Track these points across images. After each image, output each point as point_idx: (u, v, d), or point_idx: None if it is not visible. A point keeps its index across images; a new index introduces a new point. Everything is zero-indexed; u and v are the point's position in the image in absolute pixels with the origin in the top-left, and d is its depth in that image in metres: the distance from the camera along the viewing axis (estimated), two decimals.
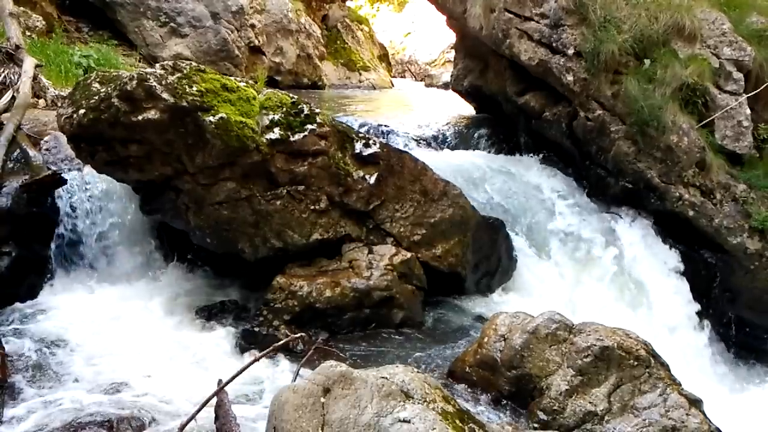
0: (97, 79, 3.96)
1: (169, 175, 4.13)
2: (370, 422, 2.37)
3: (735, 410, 4.17)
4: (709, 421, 3.13)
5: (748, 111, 5.53)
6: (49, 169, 4.58)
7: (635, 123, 5.44)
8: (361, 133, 4.82)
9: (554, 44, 5.66)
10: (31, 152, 4.68)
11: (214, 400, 2.77)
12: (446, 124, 6.87)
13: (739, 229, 5.46)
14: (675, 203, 5.52)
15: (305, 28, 11.20)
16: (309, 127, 4.29)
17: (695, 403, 3.19)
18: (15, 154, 4.65)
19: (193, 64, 4.15)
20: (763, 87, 5.57)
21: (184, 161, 4.05)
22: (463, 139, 6.62)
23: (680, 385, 3.26)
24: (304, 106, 4.38)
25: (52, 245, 4.47)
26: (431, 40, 18.51)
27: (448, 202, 4.71)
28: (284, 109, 4.29)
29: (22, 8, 6.92)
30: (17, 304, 4.22)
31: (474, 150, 6.48)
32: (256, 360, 3.12)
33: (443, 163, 5.53)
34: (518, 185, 5.82)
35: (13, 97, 5.18)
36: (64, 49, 6.63)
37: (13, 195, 4.32)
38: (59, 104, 5.15)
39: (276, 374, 3.63)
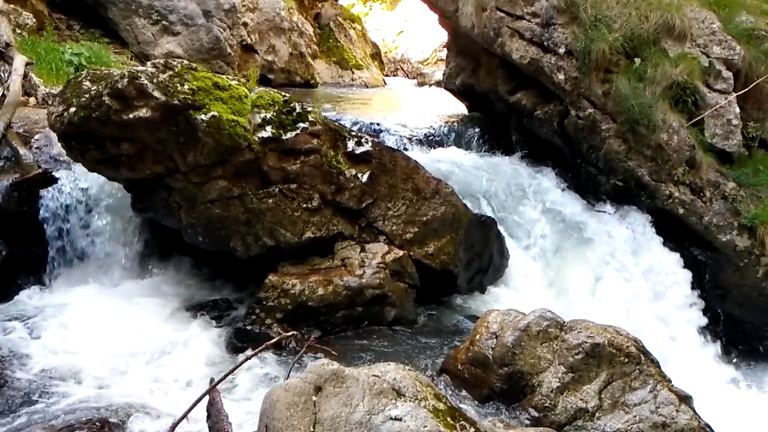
0: (88, 77, 3.95)
1: (160, 174, 4.12)
2: (362, 420, 2.37)
3: (725, 406, 4.21)
4: (699, 417, 3.16)
5: (738, 109, 5.57)
6: (39, 167, 4.56)
7: (626, 121, 5.48)
8: (353, 131, 4.82)
9: (546, 43, 5.68)
10: (22, 150, 4.66)
11: (206, 399, 2.77)
12: (438, 122, 6.88)
13: (729, 227, 5.50)
14: (665, 201, 5.55)
15: (298, 26, 11.17)
16: (301, 125, 4.30)
17: (685, 399, 3.22)
18: (5, 152, 4.63)
19: (185, 62, 4.14)
20: (752, 86, 5.61)
21: (175, 159, 4.05)
22: (455, 137, 6.63)
23: (670, 381, 3.28)
24: (297, 104, 4.38)
25: (44, 244, 4.45)
26: (424, 38, 18.51)
27: (440, 200, 4.72)
28: (276, 107, 4.29)
29: (12, 5, 6.87)
30: (8, 303, 4.20)
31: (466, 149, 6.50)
32: (249, 358, 3.12)
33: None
34: (511, 183, 5.84)
35: (3, 95, 5.16)
36: (54, 46, 6.58)
37: (3, 193, 4.31)
38: (50, 102, 5.13)
39: (268, 372, 3.64)
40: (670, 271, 5.51)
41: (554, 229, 5.57)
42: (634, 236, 5.62)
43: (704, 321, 5.46)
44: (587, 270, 5.44)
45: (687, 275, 5.51)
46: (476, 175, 5.78)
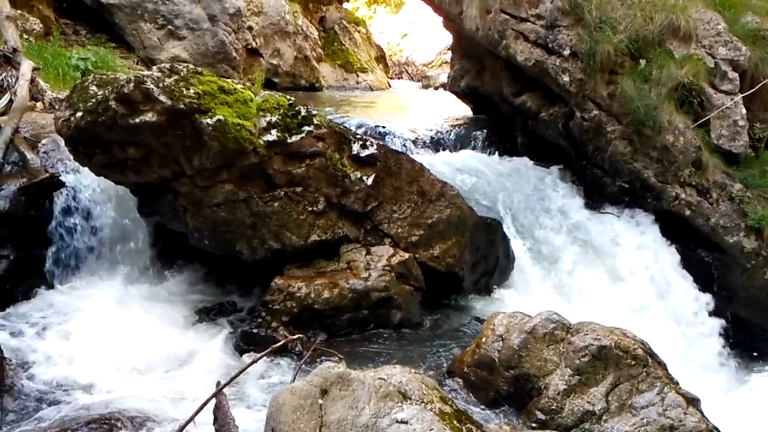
0: (95, 82, 3.97)
1: (166, 178, 4.13)
2: (368, 423, 2.37)
3: (732, 409, 4.18)
4: (707, 419, 3.14)
5: (744, 110, 5.56)
6: (46, 171, 4.58)
7: (631, 123, 5.47)
8: (358, 134, 4.83)
9: (550, 45, 5.68)
10: (29, 155, 4.68)
11: (212, 402, 2.77)
12: (443, 125, 6.88)
13: (736, 228, 5.48)
14: (672, 203, 5.54)
15: (302, 30, 11.19)
16: (306, 128, 4.30)
17: (693, 401, 3.20)
18: (13, 157, 4.65)
19: (190, 66, 4.15)
20: (758, 86, 5.60)
21: (181, 163, 4.06)
22: (460, 140, 6.64)
23: (678, 384, 3.27)
24: (302, 107, 4.39)
25: (51, 248, 4.47)
26: (428, 41, 18.51)
27: (445, 202, 4.72)
28: (281, 110, 4.29)
29: (19, 11, 6.90)
30: (15, 307, 4.21)
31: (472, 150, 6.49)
32: (255, 361, 3.12)
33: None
34: (516, 186, 5.82)
35: (11, 100, 5.17)
36: (61, 51, 6.61)
37: (11, 198, 4.32)
38: (57, 107, 5.14)
39: (274, 376, 3.64)
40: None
41: (560, 231, 5.52)
42: (640, 236, 5.52)
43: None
44: (593, 272, 5.39)
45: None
46: (500, 186, 5.61)
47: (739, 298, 5.59)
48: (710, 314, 5.45)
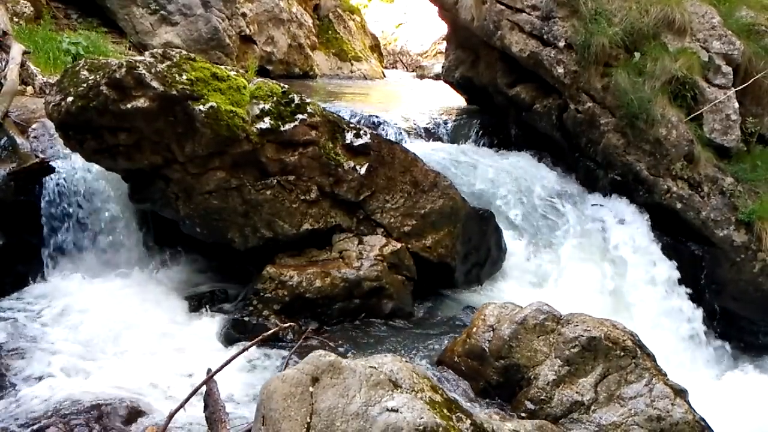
0: (86, 67, 3.93)
1: (158, 164, 4.11)
2: (358, 411, 2.38)
3: (719, 400, 4.22)
4: (694, 410, 3.17)
5: (737, 105, 5.57)
6: (36, 156, 4.54)
7: (625, 116, 5.47)
8: (351, 123, 4.81)
9: (545, 36, 5.67)
10: (19, 140, 4.64)
11: (203, 389, 2.77)
12: (437, 115, 6.87)
13: (726, 222, 5.51)
14: (663, 196, 5.56)
15: (297, 17, 11.13)
16: (299, 116, 4.29)
17: (680, 392, 3.23)
18: (2, 141, 4.61)
19: (183, 52, 4.12)
20: (751, 81, 5.61)
21: (173, 150, 4.04)
22: (454, 130, 6.63)
23: (666, 375, 3.30)
24: (295, 95, 4.37)
25: (42, 234, 4.44)
26: (423, 31, 18.45)
27: (438, 193, 4.72)
28: (275, 98, 4.27)
29: None
30: (6, 294, 4.19)
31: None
32: (246, 349, 3.12)
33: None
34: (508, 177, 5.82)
35: (1, 84, 5.12)
36: (52, 35, 6.54)
37: (0, 183, 4.29)
38: (47, 91, 5.09)
39: (265, 363, 3.65)
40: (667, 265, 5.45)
41: (552, 224, 5.52)
42: (631, 229, 5.53)
43: None
44: (583, 263, 5.41)
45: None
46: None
47: (728, 292, 5.63)
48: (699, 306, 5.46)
